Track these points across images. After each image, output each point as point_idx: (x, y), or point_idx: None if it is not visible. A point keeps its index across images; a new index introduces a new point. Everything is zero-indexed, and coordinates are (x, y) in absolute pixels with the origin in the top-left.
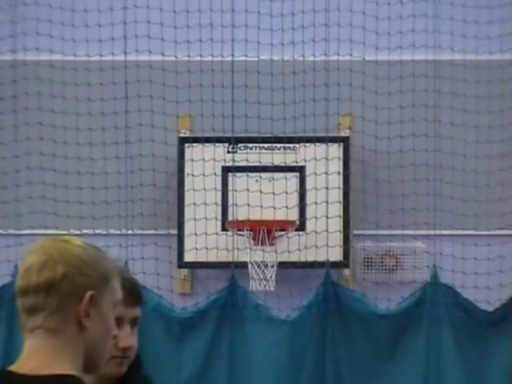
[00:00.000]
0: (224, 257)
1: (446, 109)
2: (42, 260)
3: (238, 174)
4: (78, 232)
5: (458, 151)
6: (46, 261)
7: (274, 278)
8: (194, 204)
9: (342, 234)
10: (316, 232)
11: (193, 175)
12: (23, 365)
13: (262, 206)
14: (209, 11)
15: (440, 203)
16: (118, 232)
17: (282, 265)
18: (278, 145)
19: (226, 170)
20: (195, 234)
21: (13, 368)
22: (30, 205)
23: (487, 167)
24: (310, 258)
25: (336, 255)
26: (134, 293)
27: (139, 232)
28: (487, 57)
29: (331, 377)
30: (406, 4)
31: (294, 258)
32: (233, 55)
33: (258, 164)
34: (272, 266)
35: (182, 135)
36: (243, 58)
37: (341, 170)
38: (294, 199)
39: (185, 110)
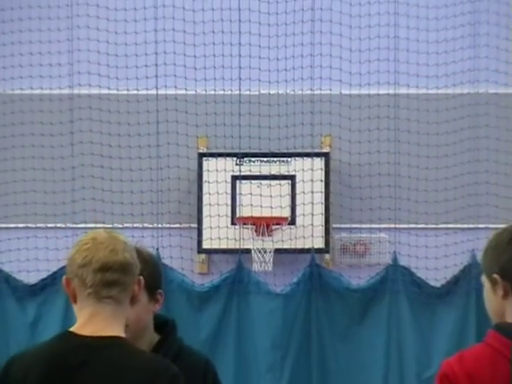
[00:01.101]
0: (233, 245)
1: (404, 131)
2: (122, 246)
3: (244, 181)
4: (120, 226)
5: (413, 164)
6: (124, 247)
7: (271, 261)
8: (210, 204)
9: (323, 228)
10: (303, 226)
11: (208, 182)
12: (83, 327)
13: (261, 206)
14: (221, 56)
15: (399, 204)
16: (151, 226)
17: (277, 251)
18: (275, 158)
19: (234, 178)
20: (210, 227)
21: (74, 329)
22: (83, 204)
23: (435, 176)
24: (299, 246)
25: (319, 243)
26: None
27: (167, 226)
28: (435, 91)
29: (315, 337)
30: (372, 51)
31: (286, 245)
32: (240, 90)
33: (258, 173)
34: (270, 252)
35: (200, 151)
36: (247, 92)
37: (323, 178)
38: (286, 200)
39: (202, 131)
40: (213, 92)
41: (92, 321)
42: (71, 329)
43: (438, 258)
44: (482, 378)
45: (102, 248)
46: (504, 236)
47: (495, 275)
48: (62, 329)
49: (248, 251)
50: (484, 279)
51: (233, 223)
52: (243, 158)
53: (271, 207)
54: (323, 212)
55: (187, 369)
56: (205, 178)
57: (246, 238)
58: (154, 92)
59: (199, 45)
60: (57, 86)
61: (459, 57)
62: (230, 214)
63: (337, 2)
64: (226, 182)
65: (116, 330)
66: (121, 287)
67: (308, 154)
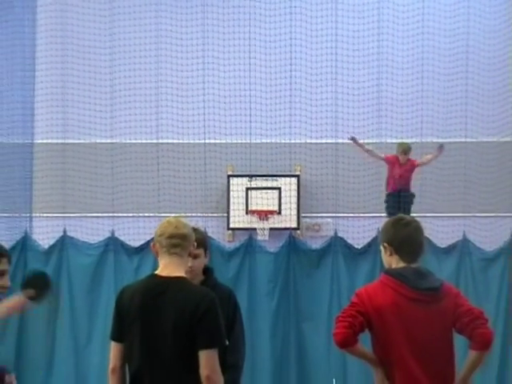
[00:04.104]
0: (246, 225)
1: (341, 163)
2: (181, 224)
3: (253, 191)
4: (184, 214)
5: (346, 181)
6: (183, 225)
7: (267, 234)
8: (233, 203)
9: (296, 216)
10: (285, 215)
11: (233, 191)
12: (163, 271)
13: (262, 204)
14: (240, 121)
15: (338, 202)
16: (201, 215)
17: (271, 229)
18: (270, 178)
19: (247, 189)
20: (234, 216)
21: (157, 272)
22: (164, 202)
23: (358, 188)
24: (283, 226)
25: (294, 224)
26: (198, 242)
27: (210, 215)
28: (361, 141)
29: (292, 276)
30: (324, 118)
31: (276, 226)
32: (250, 140)
33: (261, 186)
34: (267, 229)
35: (228, 174)
36: (254, 141)
37: (296, 189)
38: (276, 201)
39: (230, 162)
40: (235, 141)
41: (167, 267)
42: (156, 272)
43: (359, 232)
44: (377, 298)
45: (171, 226)
46: (390, 221)
47: (385, 244)
48: (152, 272)
49: (255, 229)
50: (381, 246)
51: (246, 213)
52: (252, 177)
53: (268, 205)
54: (297, 207)
55: (219, 295)
56: (231, 189)
57: (254, 222)
58: (203, 141)
59: (228, 115)
60: (148, 138)
61: (369, 122)
62: (245, 208)
63: (304, 93)
64: (242, 191)
65: (180, 272)
66: (180, 247)
67: (288, 176)
